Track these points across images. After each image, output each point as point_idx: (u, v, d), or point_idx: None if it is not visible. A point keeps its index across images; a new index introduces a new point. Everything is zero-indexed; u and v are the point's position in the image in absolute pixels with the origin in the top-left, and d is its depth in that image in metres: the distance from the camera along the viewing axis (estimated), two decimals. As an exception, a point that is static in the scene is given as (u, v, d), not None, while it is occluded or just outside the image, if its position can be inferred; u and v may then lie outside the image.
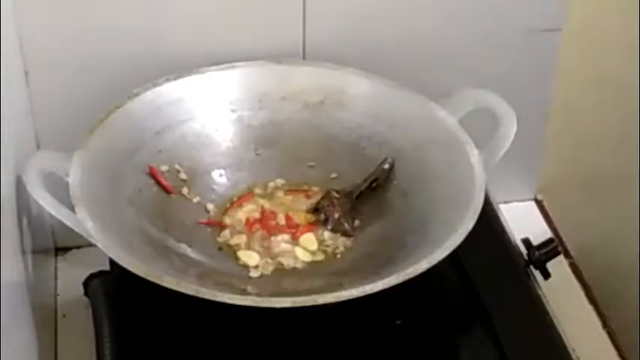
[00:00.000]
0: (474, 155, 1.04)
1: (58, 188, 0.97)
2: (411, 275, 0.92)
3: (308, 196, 1.10)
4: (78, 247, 1.19)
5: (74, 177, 0.98)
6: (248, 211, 1.08)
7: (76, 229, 0.94)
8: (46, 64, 1.10)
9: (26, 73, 1.10)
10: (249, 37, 1.13)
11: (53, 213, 0.95)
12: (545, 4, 1.18)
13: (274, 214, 1.07)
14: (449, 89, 1.09)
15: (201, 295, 0.90)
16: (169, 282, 0.91)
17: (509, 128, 1.05)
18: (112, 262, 0.98)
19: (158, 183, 1.06)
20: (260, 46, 1.13)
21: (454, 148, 1.05)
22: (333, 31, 1.15)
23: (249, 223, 1.07)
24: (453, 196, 1.01)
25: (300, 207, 1.09)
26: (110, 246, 0.94)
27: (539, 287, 1.08)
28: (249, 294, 0.96)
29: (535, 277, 1.09)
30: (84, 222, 0.94)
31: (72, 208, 0.95)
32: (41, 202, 0.95)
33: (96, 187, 0.99)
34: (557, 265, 1.11)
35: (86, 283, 1.09)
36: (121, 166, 1.04)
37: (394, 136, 1.09)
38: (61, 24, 1.08)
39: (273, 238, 1.05)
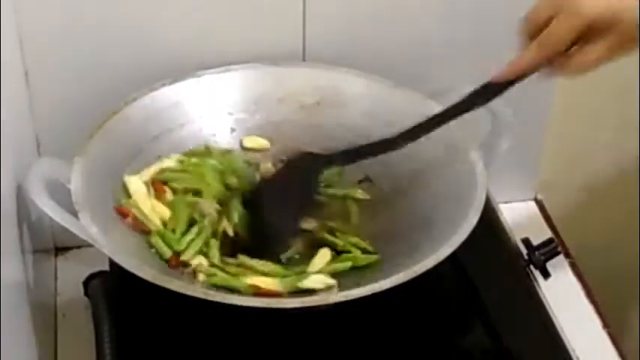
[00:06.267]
0: (474, 152, 1.04)
1: (59, 193, 0.97)
2: (418, 272, 0.92)
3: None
4: (78, 247, 1.19)
5: (75, 183, 0.98)
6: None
7: (81, 235, 0.95)
8: (46, 64, 1.10)
9: (26, 73, 1.10)
10: (249, 40, 1.13)
11: (58, 220, 0.95)
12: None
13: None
14: (447, 88, 1.09)
15: (210, 298, 0.90)
16: (178, 286, 0.91)
17: (508, 126, 1.05)
18: (112, 262, 0.98)
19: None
20: (260, 48, 1.13)
21: (453, 145, 1.06)
22: (333, 32, 1.15)
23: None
24: (455, 193, 1.02)
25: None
26: (116, 251, 0.94)
27: (539, 287, 1.08)
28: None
29: (535, 277, 1.09)
30: (88, 228, 0.95)
31: (74, 213, 0.96)
32: (45, 210, 0.95)
33: (97, 192, 1.00)
34: (557, 265, 1.11)
35: (86, 283, 1.09)
36: (121, 171, 1.04)
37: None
38: (61, 24, 1.08)
39: None
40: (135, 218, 1.01)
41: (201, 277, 0.97)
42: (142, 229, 1.00)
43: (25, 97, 1.11)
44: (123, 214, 1.01)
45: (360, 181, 1.09)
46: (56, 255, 1.21)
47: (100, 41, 1.10)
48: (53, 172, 0.99)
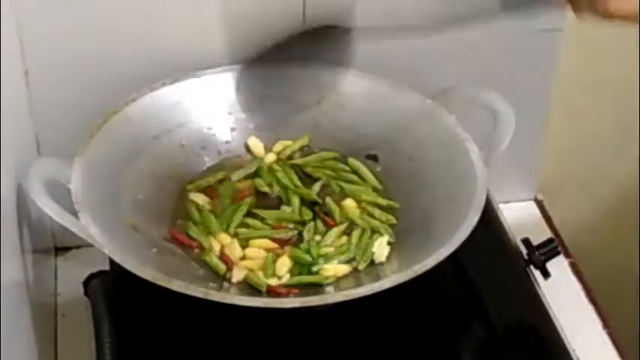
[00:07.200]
0: (474, 152, 1.04)
1: (59, 193, 0.97)
2: (418, 273, 0.92)
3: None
4: (78, 247, 1.19)
5: (75, 183, 0.98)
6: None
7: (81, 235, 0.95)
8: (46, 64, 1.10)
9: (26, 73, 1.10)
10: (248, 39, 1.13)
11: (58, 220, 0.95)
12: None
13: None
14: (447, 88, 1.09)
15: (210, 298, 0.90)
16: (178, 286, 0.91)
17: (508, 125, 1.05)
18: (112, 262, 0.98)
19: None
20: (260, 48, 1.13)
21: (453, 145, 1.06)
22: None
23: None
24: (455, 193, 1.02)
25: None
26: (116, 250, 0.94)
27: (539, 287, 1.08)
28: (258, 295, 0.96)
29: (535, 277, 1.09)
30: (88, 227, 0.95)
31: (74, 213, 0.96)
32: (45, 210, 0.95)
33: (97, 192, 1.00)
34: (557, 265, 1.11)
35: (86, 283, 1.09)
36: (121, 170, 1.04)
37: (392, 134, 1.10)
38: (61, 24, 1.08)
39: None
40: (191, 238, 1.02)
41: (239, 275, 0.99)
42: (191, 245, 1.02)
43: (25, 97, 1.11)
44: (176, 237, 1.02)
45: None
46: (56, 255, 1.21)
47: (100, 41, 1.10)
48: (53, 172, 0.99)
